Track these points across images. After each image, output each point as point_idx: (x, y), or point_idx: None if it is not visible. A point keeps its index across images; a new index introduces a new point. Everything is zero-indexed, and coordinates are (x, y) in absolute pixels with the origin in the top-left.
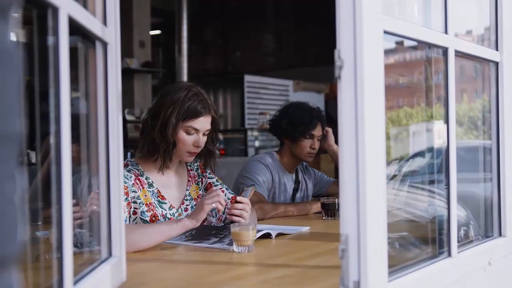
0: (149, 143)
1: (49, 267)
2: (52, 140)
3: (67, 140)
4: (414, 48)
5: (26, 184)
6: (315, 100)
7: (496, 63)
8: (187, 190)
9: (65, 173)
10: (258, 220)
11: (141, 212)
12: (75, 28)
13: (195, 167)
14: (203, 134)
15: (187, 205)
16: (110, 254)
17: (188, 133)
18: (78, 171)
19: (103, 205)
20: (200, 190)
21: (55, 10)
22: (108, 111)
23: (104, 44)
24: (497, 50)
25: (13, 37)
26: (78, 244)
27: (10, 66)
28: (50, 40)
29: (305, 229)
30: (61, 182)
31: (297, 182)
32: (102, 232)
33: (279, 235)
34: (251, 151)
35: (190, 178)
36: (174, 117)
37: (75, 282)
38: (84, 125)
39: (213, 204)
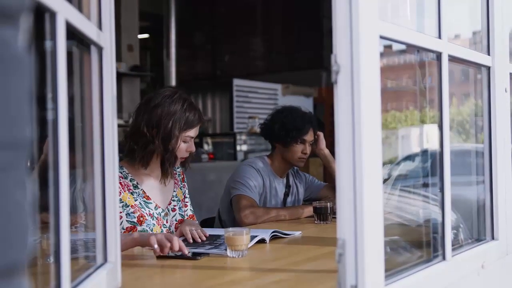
0: (149, 153)
1: (43, 273)
2: (50, 144)
3: (64, 145)
4: (403, 52)
5: (36, 190)
6: (304, 104)
7: (488, 68)
8: (174, 191)
9: (62, 178)
10: (250, 225)
11: (126, 214)
12: (71, 32)
13: (178, 173)
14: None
15: (174, 205)
16: (105, 259)
17: (185, 142)
18: (71, 175)
19: (98, 211)
20: (182, 195)
21: (53, 14)
22: (104, 115)
23: (100, 49)
24: (488, 54)
25: (22, 43)
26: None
27: (20, 72)
28: (47, 44)
29: (297, 233)
30: (58, 187)
31: (288, 186)
32: (97, 238)
33: (274, 238)
34: (240, 155)
35: (176, 181)
36: (177, 130)
37: None
38: (79, 130)
39: (156, 246)
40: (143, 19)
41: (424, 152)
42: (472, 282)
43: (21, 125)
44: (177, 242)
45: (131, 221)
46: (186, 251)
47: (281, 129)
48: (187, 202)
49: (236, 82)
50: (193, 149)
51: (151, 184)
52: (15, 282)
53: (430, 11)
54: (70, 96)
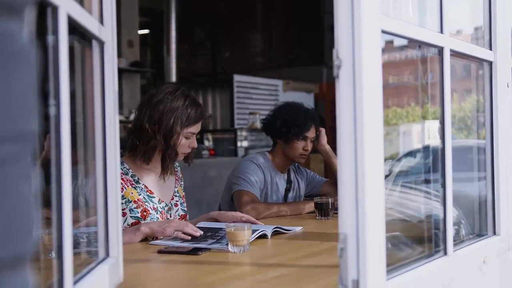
0: (150, 149)
1: (45, 268)
2: (52, 140)
3: (67, 140)
4: (404, 47)
5: (42, 183)
6: (305, 100)
7: (490, 63)
8: (175, 187)
9: (64, 174)
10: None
11: (130, 210)
12: (72, 27)
13: (178, 170)
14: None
15: (176, 201)
16: (107, 254)
17: (187, 138)
18: (73, 170)
19: (100, 206)
20: (182, 191)
21: (55, 8)
22: (105, 111)
23: (101, 44)
24: (490, 49)
25: (28, 35)
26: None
27: (26, 65)
28: (49, 39)
29: (299, 229)
30: (61, 183)
31: (289, 182)
32: (99, 233)
33: (275, 234)
34: (240, 151)
35: (177, 177)
36: (178, 126)
37: (75, 283)
38: (80, 125)
39: (174, 233)
40: (143, 15)
41: (426, 148)
42: (474, 277)
43: (27, 118)
44: (192, 226)
45: (135, 216)
46: (198, 233)
47: (283, 125)
48: (184, 202)
49: (237, 78)
50: (195, 145)
51: (152, 180)
52: (20, 274)
53: (432, 6)
54: (71, 91)
